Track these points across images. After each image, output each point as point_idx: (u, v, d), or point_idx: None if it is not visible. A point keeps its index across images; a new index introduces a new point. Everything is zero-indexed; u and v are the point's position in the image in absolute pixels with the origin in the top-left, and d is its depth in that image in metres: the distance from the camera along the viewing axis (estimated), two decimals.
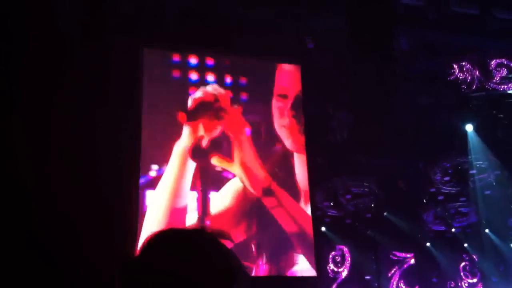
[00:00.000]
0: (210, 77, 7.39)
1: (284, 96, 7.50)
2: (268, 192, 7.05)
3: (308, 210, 7.45)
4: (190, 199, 6.74)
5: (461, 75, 8.91)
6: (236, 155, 7.02)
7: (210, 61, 7.52)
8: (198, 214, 6.67)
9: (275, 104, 7.48)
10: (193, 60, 7.41)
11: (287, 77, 7.66)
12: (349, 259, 10.35)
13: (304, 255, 7.25)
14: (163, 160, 6.81)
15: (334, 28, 7.26)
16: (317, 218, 9.01)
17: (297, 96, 7.56)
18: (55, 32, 6.14)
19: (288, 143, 7.42)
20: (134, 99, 6.98)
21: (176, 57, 7.37)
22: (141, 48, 7.17)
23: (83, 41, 6.32)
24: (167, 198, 6.61)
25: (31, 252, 5.38)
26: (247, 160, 7.01)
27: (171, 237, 1.31)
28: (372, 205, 10.01)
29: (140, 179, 6.70)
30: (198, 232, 1.32)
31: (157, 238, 1.29)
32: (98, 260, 5.57)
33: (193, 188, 6.77)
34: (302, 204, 7.42)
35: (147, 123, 6.98)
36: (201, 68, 7.41)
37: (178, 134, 6.95)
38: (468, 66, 8.92)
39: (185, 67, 7.34)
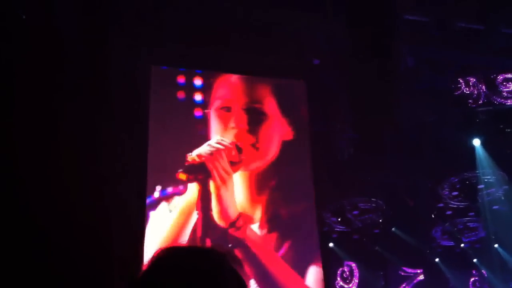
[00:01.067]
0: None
1: (227, 109, 7.14)
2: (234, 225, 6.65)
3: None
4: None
5: (467, 89, 8.91)
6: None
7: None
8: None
9: (215, 117, 7.08)
10: (198, 82, 7.34)
11: (230, 88, 7.28)
12: (358, 275, 10.31)
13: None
14: (167, 181, 6.68)
15: (338, 46, 7.27)
16: (325, 233, 8.97)
17: (248, 109, 7.12)
18: (56, 38, 6.16)
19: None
20: (139, 108, 6.93)
21: (182, 79, 7.32)
22: (147, 64, 7.17)
23: (85, 49, 6.33)
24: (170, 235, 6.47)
25: (35, 261, 5.39)
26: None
27: (179, 253, 1.34)
28: (380, 221, 9.98)
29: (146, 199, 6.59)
30: (207, 250, 1.35)
31: (166, 253, 1.32)
32: (101, 268, 5.60)
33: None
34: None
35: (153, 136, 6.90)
36: (207, 88, 7.36)
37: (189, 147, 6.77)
38: (474, 80, 8.91)
39: (190, 88, 7.29)
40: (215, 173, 6.59)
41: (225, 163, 6.69)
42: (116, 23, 6.65)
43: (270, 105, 7.31)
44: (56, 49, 6.13)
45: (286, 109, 7.37)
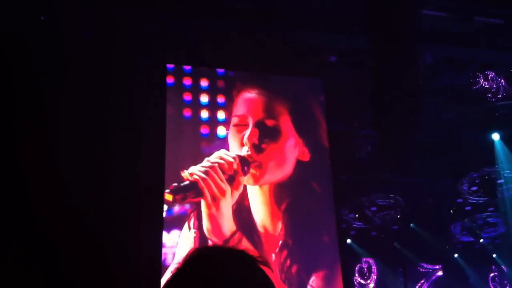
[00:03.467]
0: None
1: (244, 125, 6.76)
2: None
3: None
4: None
5: (486, 84, 8.81)
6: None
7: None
8: None
9: (232, 135, 6.75)
10: (204, 83, 7.15)
11: (247, 104, 6.97)
12: (376, 271, 10.30)
13: None
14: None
15: (356, 45, 7.20)
16: (343, 230, 8.95)
17: (259, 123, 6.79)
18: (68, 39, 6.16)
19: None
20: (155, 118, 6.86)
21: (188, 81, 7.17)
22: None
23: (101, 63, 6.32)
24: None
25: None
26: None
27: (211, 253, 1.36)
28: (398, 217, 9.94)
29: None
30: (240, 252, 1.36)
31: (198, 253, 1.34)
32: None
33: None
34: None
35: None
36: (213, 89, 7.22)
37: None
38: (493, 75, 8.81)
39: (197, 90, 7.17)
40: (206, 192, 6.21)
41: (220, 180, 6.32)
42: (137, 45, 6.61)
43: (285, 122, 7.12)
44: (68, 51, 6.14)
45: (303, 127, 7.21)
